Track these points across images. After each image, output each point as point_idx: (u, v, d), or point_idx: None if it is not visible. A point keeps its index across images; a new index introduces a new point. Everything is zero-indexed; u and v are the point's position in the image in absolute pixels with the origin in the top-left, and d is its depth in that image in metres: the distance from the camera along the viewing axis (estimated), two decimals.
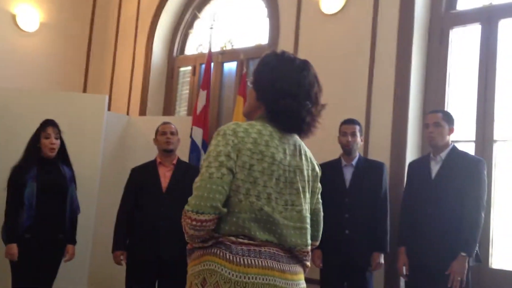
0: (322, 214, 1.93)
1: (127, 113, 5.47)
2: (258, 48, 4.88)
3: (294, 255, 1.72)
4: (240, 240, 1.63)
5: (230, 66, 5.17)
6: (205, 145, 4.40)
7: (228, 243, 1.62)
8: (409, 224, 3.25)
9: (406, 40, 3.86)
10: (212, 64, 4.87)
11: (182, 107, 5.52)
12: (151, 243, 3.48)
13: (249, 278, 1.59)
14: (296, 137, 1.83)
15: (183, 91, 5.54)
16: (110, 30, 5.92)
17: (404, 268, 3.25)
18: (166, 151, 3.69)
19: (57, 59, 5.61)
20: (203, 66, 4.99)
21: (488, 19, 3.68)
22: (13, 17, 5.35)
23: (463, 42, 3.85)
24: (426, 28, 3.95)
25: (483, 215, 3.04)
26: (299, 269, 1.73)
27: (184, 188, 3.54)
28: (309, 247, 1.78)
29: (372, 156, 3.80)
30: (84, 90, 5.77)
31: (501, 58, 3.60)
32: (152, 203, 3.55)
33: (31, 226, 3.42)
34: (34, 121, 3.88)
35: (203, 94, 4.60)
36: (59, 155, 3.63)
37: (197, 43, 5.56)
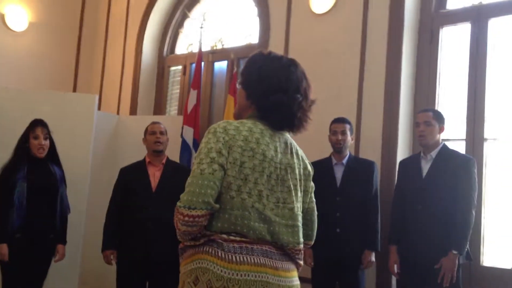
0: (316, 213, 1.92)
1: (118, 113, 5.45)
2: (249, 47, 4.87)
3: (287, 253, 1.72)
4: (232, 237, 1.62)
5: (221, 66, 5.16)
6: (196, 144, 4.39)
7: (220, 240, 1.62)
8: (400, 223, 3.26)
9: (396, 39, 3.87)
10: (203, 63, 4.85)
11: (172, 107, 5.50)
12: (140, 243, 3.48)
13: (241, 275, 1.58)
14: (287, 135, 1.83)
15: (174, 91, 5.52)
16: (100, 29, 5.89)
17: (395, 266, 3.26)
18: (156, 151, 3.69)
19: (47, 59, 5.57)
20: (194, 65, 4.98)
21: (478, 18, 3.70)
22: (2, 16, 5.30)
23: (453, 41, 3.87)
24: (416, 27, 3.97)
25: (474, 213, 3.05)
26: (292, 266, 1.73)
27: (174, 188, 3.51)
28: (302, 246, 1.77)
29: (363, 154, 3.80)
30: (74, 90, 5.73)
31: (491, 57, 3.62)
32: (142, 203, 3.54)
33: (21, 226, 3.39)
34: (23, 120, 3.84)
35: (193, 93, 4.59)
36: (49, 155, 3.60)
37: (187, 42, 5.54)
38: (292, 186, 1.75)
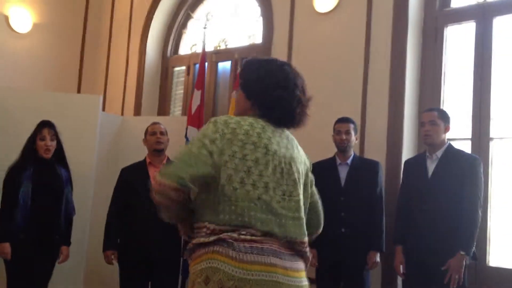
0: (320, 204, 1.94)
1: (122, 114, 5.45)
2: (253, 47, 4.87)
3: (295, 250, 1.72)
4: (242, 236, 1.62)
5: (225, 66, 5.15)
6: None
7: (230, 240, 1.61)
8: (405, 223, 3.23)
9: (400, 38, 3.86)
10: (206, 63, 4.84)
11: (176, 107, 5.50)
12: (141, 244, 3.48)
13: (252, 275, 1.58)
14: (287, 131, 1.86)
15: (178, 91, 5.52)
16: (104, 30, 5.90)
17: (401, 266, 3.24)
18: (156, 151, 3.69)
19: (51, 60, 5.58)
20: (197, 66, 4.97)
21: (482, 16, 3.67)
22: (6, 18, 5.31)
23: (458, 40, 3.85)
24: (421, 26, 3.95)
25: (480, 213, 3.03)
26: (301, 266, 1.73)
27: None
28: (306, 238, 1.77)
29: (368, 154, 3.79)
30: (79, 91, 5.74)
31: (496, 56, 3.59)
32: (143, 203, 3.46)
33: (25, 226, 3.41)
34: (28, 121, 3.85)
35: (197, 94, 4.58)
36: (56, 156, 3.61)
37: (190, 43, 5.54)
38: (296, 179, 1.77)
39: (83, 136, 4.13)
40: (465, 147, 3.51)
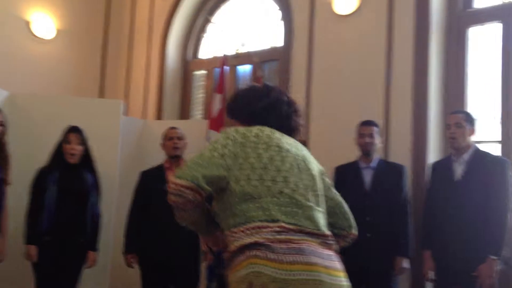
0: (344, 204, 1.90)
1: (144, 117, 5.48)
2: (273, 50, 4.87)
3: (329, 247, 1.70)
4: (278, 237, 1.61)
5: (245, 69, 5.16)
6: None
7: (267, 243, 1.60)
8: (433, 227, 3.19)
9: (422, 40, 3.83)
10: (226, 67, 4.85)
11: (197, 111, 5.52)
12: (160, 247, 3.51)
13: (294, 275, 1.56)
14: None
15: (198, 95, 5.55)
16: (125, 35, 5.94)
17: (430, 272, 3.18)
18: (174, 156, 3.72)
19: (73, 65, 5.63)
20: (217, 69, 4.98)
21: (509, 16, 3.63)
22: (28, 24, 5.37)
23: (482, 41, 3.80)
24: (443, 27, 3.92)
25: (509, 216, 2.99)
26: (339, 266, 1.70)
27: None
28: (335, 243, 1.76)
29: (392, 158, 3.75)
30: (101, 96, 5.79)
31: None
32: (161, 208, 3.50)
33: (50, 229, 3.46)
34: (52, 126, 3.90)
35: (218, 97, 4.59)
36: (83, 161, 3.64)
37: (210, 47, 5.56)
38: (313, 174, 1.78)
39: (106, 140, 4.15)
40: (495, 149, 3.47)
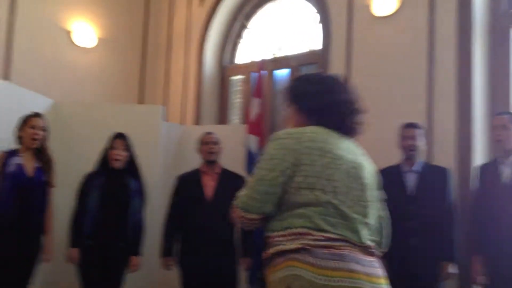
0: (388, 220, 1.87)
1: (182, 123, 5.54)
2: (311, 54, 4.85)
3: (370, 254, 1.67)
4: (319, 242, 1.60)
5: (282, 74, 5.16)
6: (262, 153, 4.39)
7: (308, 247, 1.60)
8: (482, 231, 3.12)
9: (465, 40, 3.76)
10: (263, 72, 4.86)
11: (235, 116, 5.56)
12: (197, 251, 3.55)
13: (335, 282, 1.55)
14: (351, 140, 1.83)
15: (235, 100, 5.58)
16: (162, 42, 6.02)
17: (480, 277, 3.11)
18: (209, 161, 3.75)
19: (114, 73, 5.75)
20: (254, 74, 5.00)
21: None
22: (69, 33, 5.50)
23: None
24: (486, 27, 3.84)
25: None
26: (381, 272, 1.68)
27: (229, 197, 3.59)
28: (378, 252, 1.73)
29: (435, 161, 3.68)
30: (141, 102, 5.88)
31: None
32: (197, 212, 3.62)
33: (93, 234, 3.54)
34: (95, 133, 4.01)
35: (256, 102, 4.60)
36: (128, 167, 3.71)
37: (246, 52, 5.59)
38: (365, 185, 1.74)
39: (147, 146, 4.21)
40: None
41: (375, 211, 1.78)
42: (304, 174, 1.66)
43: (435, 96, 3.84)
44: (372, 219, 1.73)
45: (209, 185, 3.69)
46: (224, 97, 5.64)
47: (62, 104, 4.46)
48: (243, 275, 3.89)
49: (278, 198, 1.67)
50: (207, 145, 3.77)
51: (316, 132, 1.74)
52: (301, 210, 1.64)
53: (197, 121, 5.49)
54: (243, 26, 5.65)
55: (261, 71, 4.74)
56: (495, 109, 3.60)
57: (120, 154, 3.66)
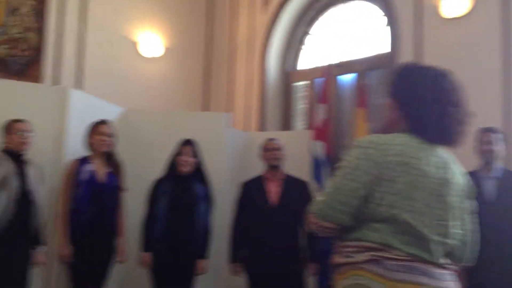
0: (476, 234, 1.75)
1: (246, 129, 5.56)
2: (378, 57, 4.75)
3: (445, 269, 1.59)
4: (388, 255, 1.53)
5: (347, 78, 5.08)
6: (328, 159, 4.34)
7: (377, 258, 1.54)
8: None
9: None
10: (328, 77, 4.80)
11: (299, 121, 5.53)
12: (262, 257, 3.57)
13: None
14: (444, 150, 1.69)
15: (299, 106, 5.55)
16: (226, 50, 6.08)
17: None
18: (273, 167, 3.75)
19: (179, 81, 5.87)
20: (319, 80, 4.95)
21: None
22: (135, 44, 5.66)
23: None
24: None
25: None
26: (453, 285, 1.59)
27: (294, 203, 3.62)
28: (453, 266, 1.64)
29: None
30: (206, 109, 5.97)
31: None
32: (262, 218, 3.63)
33: (162, 238, 3.61)
34: (163, 139, 4.08)
35: (321, 107, 4.54)
36: (195, 173, 3.76)
37: (310, 57, 5.55)
38: (449, 202, 1.62)
39: (213, 152, 4.24)
40: None
41: (460, 228, 1.67)
42: (384, 190, 1.57)
43: None
44: (453, 239, 1.63)
45: (273, 191, 3.71)
46: (287, 103, 5.62)
47: (131, 112, 4.58)
48: (310, 281, 3.84)
49: (356, 210, 1.60)
50: (270, 152, 3.78)
51: (405, 145, 1.62)
52: (376, 225, 1.58)
53: (261, 127, 5.50)
54: (306, 32, 5.62)
55: (327, 76, 4.68)
56: None
57: (187, 160, 3.71)
